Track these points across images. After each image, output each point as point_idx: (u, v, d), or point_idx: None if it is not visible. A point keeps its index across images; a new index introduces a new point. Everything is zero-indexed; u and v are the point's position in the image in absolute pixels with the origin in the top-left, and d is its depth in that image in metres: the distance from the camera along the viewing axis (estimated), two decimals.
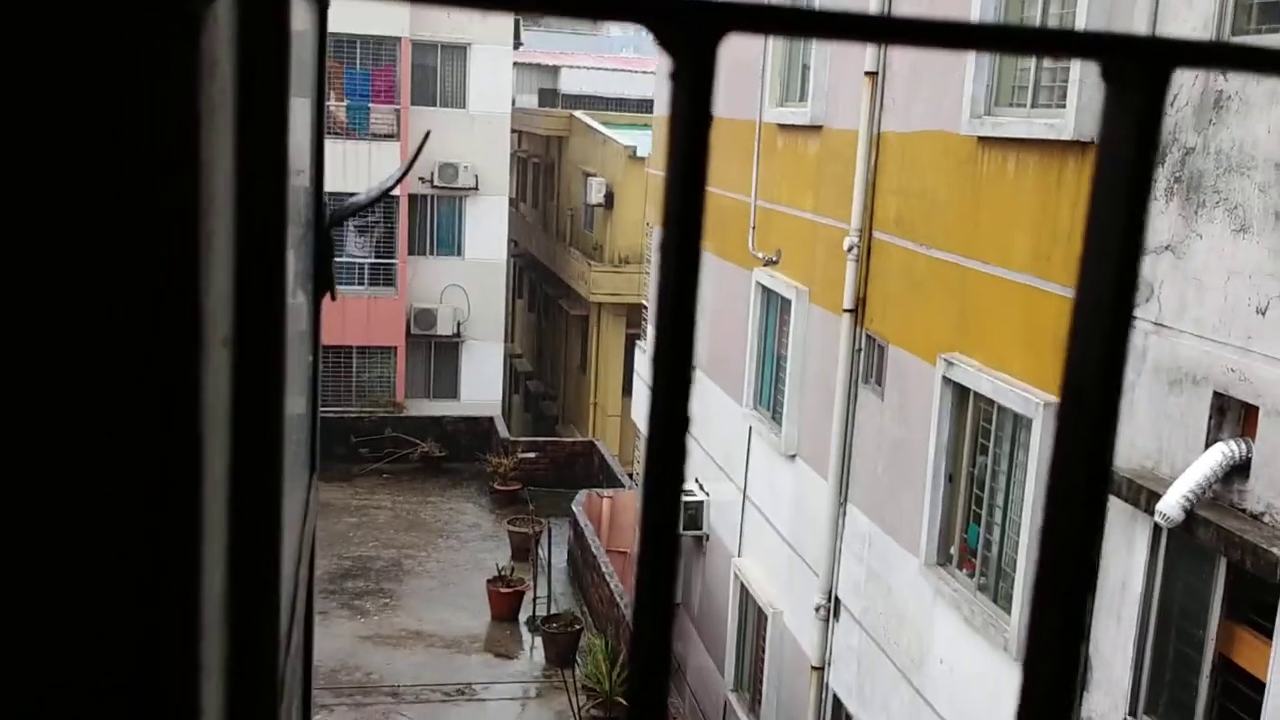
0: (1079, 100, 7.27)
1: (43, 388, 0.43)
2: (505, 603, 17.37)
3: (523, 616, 17.39)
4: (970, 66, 8.48)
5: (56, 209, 0.41)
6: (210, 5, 0.44)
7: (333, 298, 1.48)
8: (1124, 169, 0.33)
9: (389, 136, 24.81)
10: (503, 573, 17.59)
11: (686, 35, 0.32)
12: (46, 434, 0.44)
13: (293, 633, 1.15)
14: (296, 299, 1.22)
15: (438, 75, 25.69)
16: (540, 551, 18.11)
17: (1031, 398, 7.62)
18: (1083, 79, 7.26)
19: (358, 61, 24.90)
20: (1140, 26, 6.72)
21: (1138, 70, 0.33)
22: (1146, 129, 0.33)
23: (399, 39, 24.71)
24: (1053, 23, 7.87)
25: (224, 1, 0.50)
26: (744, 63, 13.14)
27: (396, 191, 24.68)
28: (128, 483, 0.44)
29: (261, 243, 0.63)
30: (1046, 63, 8.03)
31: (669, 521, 0.37)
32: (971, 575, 8.63)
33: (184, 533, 0.46)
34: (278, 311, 0.67)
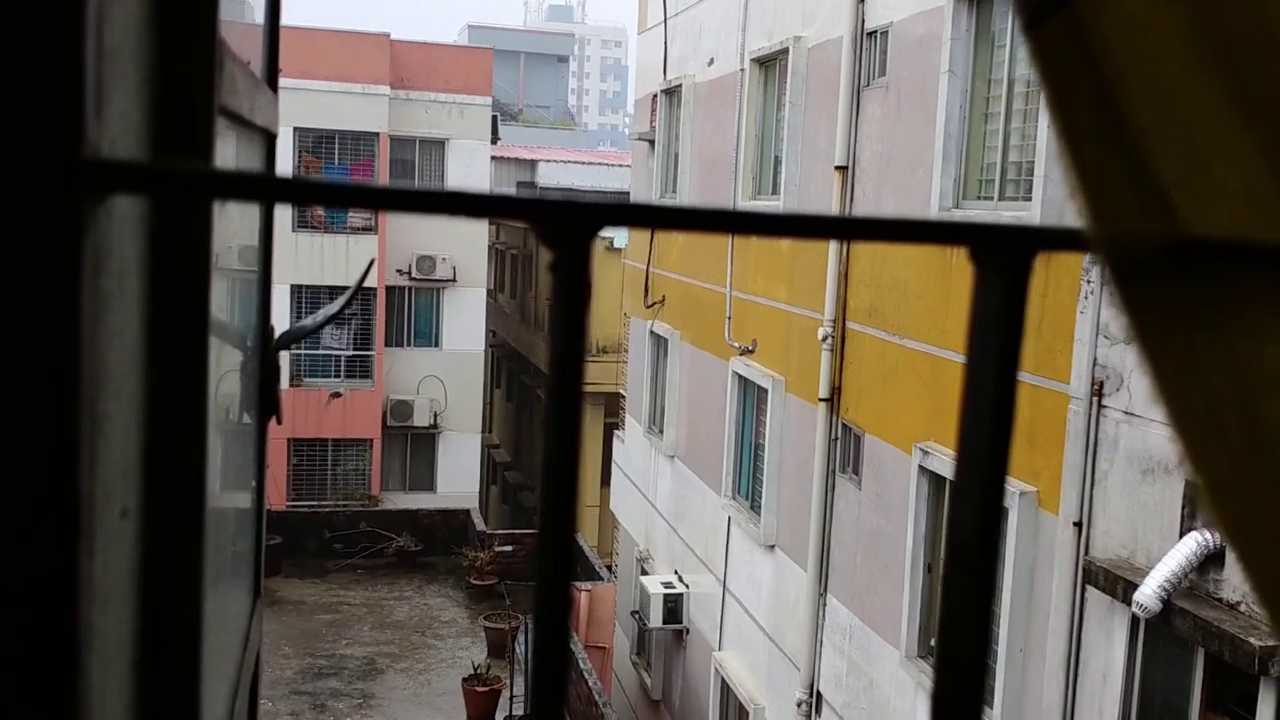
0: (1044, 193, 7.41)
1: None
2: (481, 702, 17.01)
3: (500, 716, 17.02)
4: (938, 160, 8.66)
5: None
6: (101, 203, 0.45)
7: (278, 421, 1.48)
8: (993, 347, 0.34)
9: (366, 229, 24.99)
10: (479, 671, 17.25)
11: (563, 232, 0.34)
12: None
13: None
14: (241, 424, 1.21)
15: (415, 169, 25.99)
16: (518, 648, 17.81)
17: (1007, 487, 7.62)
18: (1047, 174, 7.41)
19: (336, 157, 25.19)
20: None
21: (1001, 256, 0.33)
22: (1012, 310, 0.34)
23: (377, 134, 25.04)
24: (1020, 85, 8.04)
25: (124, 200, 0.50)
26: (718, 156, 13.38)
27: (374, 283, 24.79)
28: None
29: (177, 412, 0.63)
30: (1012, 156, 8.21)
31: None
32: None
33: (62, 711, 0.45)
34: (196, 480, 0.67)
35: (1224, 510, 0.37)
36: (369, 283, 24.57)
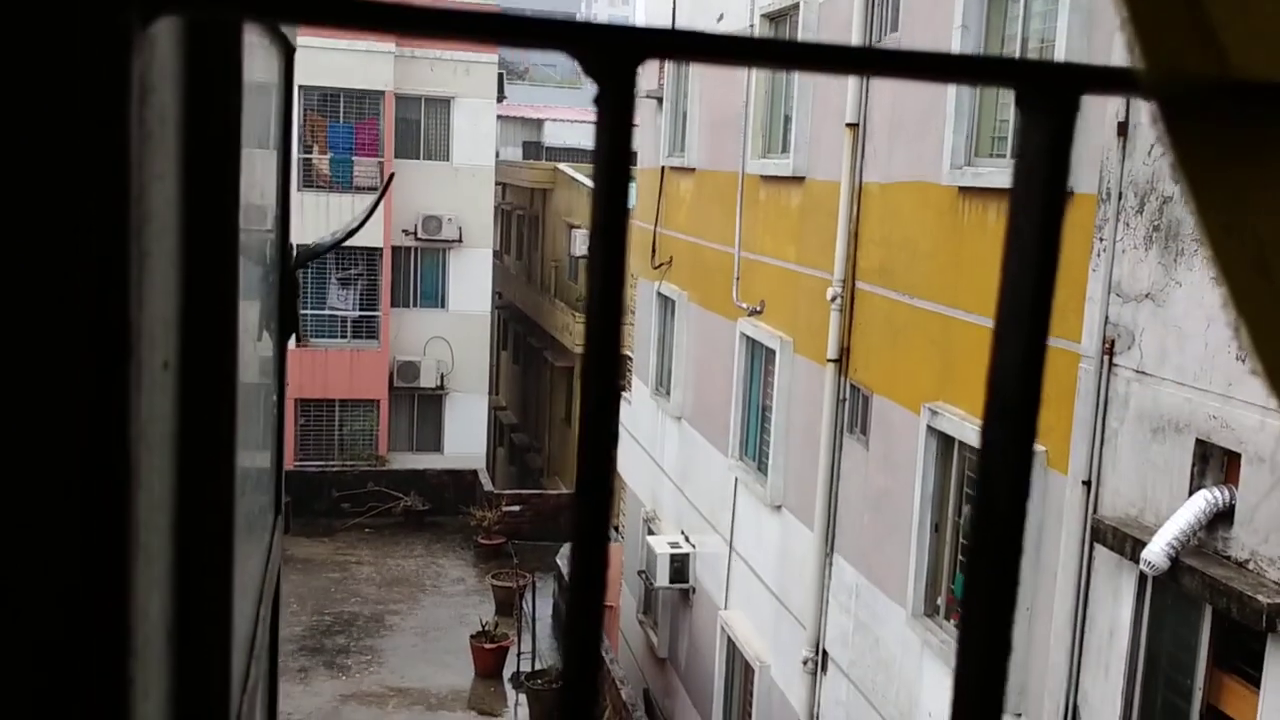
0: None
1: None
2: (489, 659, 17.17)
3: (507, 673, 17.18)
4: (950, 117, 8.59)
5: None
6: (146, 28, 0.45)
7: (298, 341, 1.48)
8: (1037, 190, 0.34)
9: (373, 189, 24.92)
10: (486, 628, 17.40)
11: (608, 60, 0.34)
12: None
13: (251, 668, 1.13)
14: (262, 340, 1.21)
15: (421, 128, 25.87)
16: (525, 606, 17.94)
17: None
18: None
19: (341, 115, 25.07)
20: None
21: (1048, 96, 0.33)
22: (1058, 153, 0.33)
23: (383, 93, 24.91)
24: (1034, 41, 7.97)
25: (166, 27, 0.50)
26: (727, 115, 13.29)
27: (380, 244, 24.76)
28: (51, 496, 0.44)
29: (210, 265, 0.63)
30: None
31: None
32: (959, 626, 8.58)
33: (113, 549, 0.46)
34: (228, 334, 0.67)
35: (1264, 349, 0.37)
36: (375, 243, 24.53)
